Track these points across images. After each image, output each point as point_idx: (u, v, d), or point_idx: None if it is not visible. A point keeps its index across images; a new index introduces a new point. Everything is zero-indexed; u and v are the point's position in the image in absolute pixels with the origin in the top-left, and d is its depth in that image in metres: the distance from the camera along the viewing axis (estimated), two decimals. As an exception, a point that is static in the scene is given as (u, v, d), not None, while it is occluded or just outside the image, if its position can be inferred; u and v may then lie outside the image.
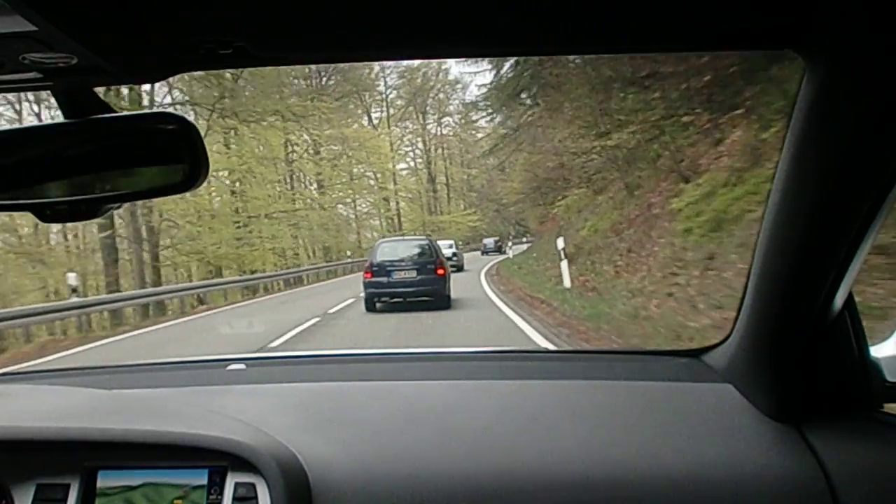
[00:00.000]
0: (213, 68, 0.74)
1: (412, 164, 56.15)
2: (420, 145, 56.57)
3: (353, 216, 42.88)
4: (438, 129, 57.80)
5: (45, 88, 0.68)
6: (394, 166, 48.39)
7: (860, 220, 0.80)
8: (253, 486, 1.00)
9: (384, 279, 11.54)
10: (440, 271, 11.71)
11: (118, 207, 0.82)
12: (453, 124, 58.75)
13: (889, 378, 0.96)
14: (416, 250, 12.30)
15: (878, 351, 0.99)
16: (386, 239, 15.22)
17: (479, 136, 58.04)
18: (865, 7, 0.63)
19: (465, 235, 50.97)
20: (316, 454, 1.05)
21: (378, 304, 11.57)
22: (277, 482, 0.97)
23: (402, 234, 36.10)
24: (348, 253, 34.45)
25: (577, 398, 1.21)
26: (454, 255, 23.79)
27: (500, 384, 1.30)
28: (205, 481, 1.02)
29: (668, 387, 1.22)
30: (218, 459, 1.02)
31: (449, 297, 11.87)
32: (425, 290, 11.42)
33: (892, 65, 0.65)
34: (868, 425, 0.96)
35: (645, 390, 1.22)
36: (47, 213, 0.78)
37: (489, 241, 42.10)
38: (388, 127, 49.84)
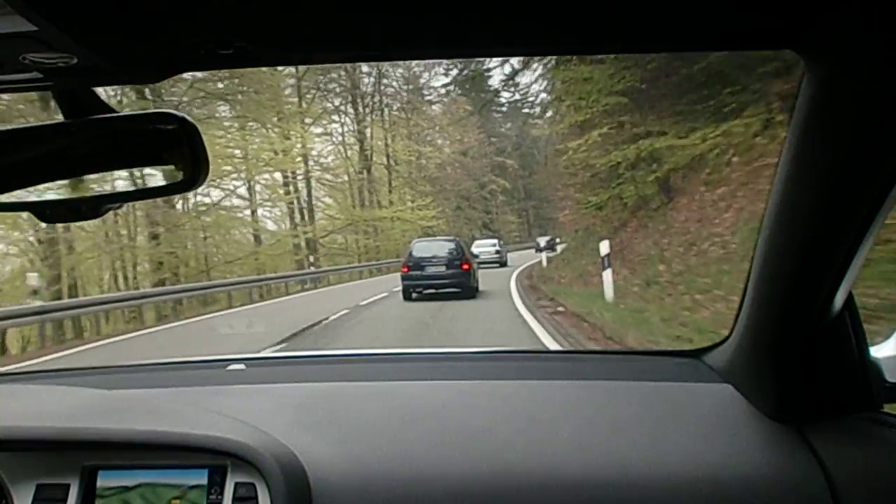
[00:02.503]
0: (213, 68, 0.74)
1: (340, 135, 37.21)
2: (349, 109, 37.44)
3: (244, 210, 27.58)
4: (377, 87, 39.13)
5: (45, 88, 0.68)
6: (304, 130, 30.63)
7: (860, 220, 0.80)
8: (253, 486, 1.00)
9: (418, 273, 13.86)
10: (465, 266, 13.91)
11: (118, 207, 0.82)
12: (399, 78, 40.40)
13: (889, 378, 0.96)
14: (445, 249, 14.50)
15: (878, 351, 0.99)
16: (419, 239, 17.38)
17: (436, 106, 44.39)
18: (865, 7, 0.63)
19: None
20: (316, 454, 1.05)
21: (412, 296, 13.85)
22: (277, 482, 0.97)
23: (328, 231, 32.72)
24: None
25: (577, 398, 1.21)
26: (497, 252, 28.55)
27: (499, 384, 1.30)
28: (205, 481, 1.02)
29: (668, 387, 1.22)
30: (218, 459, 1.02)
31: (476, 287, 14.06)
32: (453, 281, 13.67)
33: (892, 65, 0.65)
34: (868, 425, 0.96)
35: (645, 390, 1.22)
36: (47, 213, 0.78)
37: (542, 240, 41.42)
38: (298, 74, 29.78)
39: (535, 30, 0.68)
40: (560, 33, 0.70)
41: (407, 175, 42.20)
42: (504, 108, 58.91)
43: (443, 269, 13.76)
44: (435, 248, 14.58)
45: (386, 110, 41.05)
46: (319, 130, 35.28)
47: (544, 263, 20.69)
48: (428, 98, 44.33)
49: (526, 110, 61.30)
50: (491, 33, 0.69)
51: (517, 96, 58.45)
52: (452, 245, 14.81)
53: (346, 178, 36.88)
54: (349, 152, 38.02)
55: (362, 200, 37.27)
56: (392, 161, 40.70)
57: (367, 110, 39.45)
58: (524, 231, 58.61)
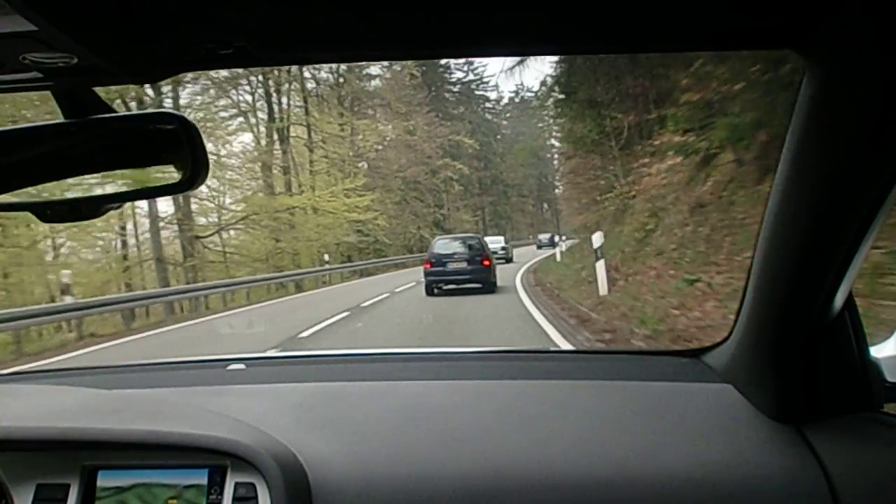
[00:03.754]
0: (213, 68, 0.74)
1: (248, 98, 26.74)
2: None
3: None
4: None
5: (45, 88, 0.67)
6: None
7: (860, 220, 0.80)
8: (253, 485, 1.00)
9: (441, 269, 14.28)
10: (486, 262, 14.33)
11: (118, 207, 0.82)
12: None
13: (889, 378, 0.96)
14: (467, 245, 14.92)
15: (878, 351, 0.99)
16: (441, 237, 17.63)
17: (377, 80, 35.93)
18: (865, 7, 0.63)
19: (345, 244, 26.52)
20: (316, 454, 1.05)
21: (435, 291, 14.10)
22: (277, 482, 0.97)
23: (215, 227, 22.92)
24: None
25: (577, 398, 1.21)
26: (503, 248, 27.51)
27: (499, 384, 1.30)
28: (205, 481, 1.02)
29: (668, 387, 1.22)
30: (218, 459, 1.02)
31: (494, 283, 14.34)
32: (474, 277, 14.02)
33: (892, 65, 0.65)
34: (868, 425, 0.96)
35: (645, 390, 1.22)
36: (47, 213, 0.78)
37: (543, 237, 39.13)
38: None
39: (535, 29, 0.68)
40: (559, 33, 0.70)
41: (335, 157, 30.01)
42: (456, 88, 52.27)
43: (464, 265, 14.27)
44: (457, 244, 15.09)
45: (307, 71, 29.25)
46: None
47: (603, 289, 9.99)
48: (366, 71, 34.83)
49: (479, 93, 55.58)
50: (490, 33, 0.69)
51: (471, 76, 53.29)
52: (473, 242, 15.39)
53: (252, 153, 26.13)
54: (260, 125, 26.87)
55: (269, 186, 26.36)
56: (317, 138, 29.43)
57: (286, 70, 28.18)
58: (479, 232, 49.97)
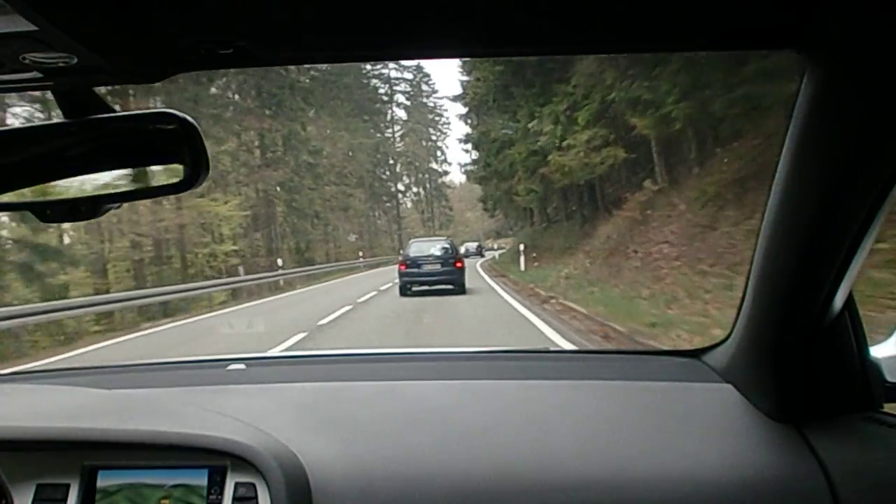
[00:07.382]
0: (213, 68, 0.74)
1: None
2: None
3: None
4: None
5: (45, 88, 0.68)
6: None
7: (860, 220, 0.80)
8: (253, 485, 1.00)
9: (415, 270, 14.75)
10: (458, 264, 14.94)
11: (118, 207, 0.82)
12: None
13: (889, 378, 0.96)
14: (440, 248, 15.49)
15: (878, 351, 0.99)
16: (416, 239, 18.12)
17: None
18: (865, 7, 0.63)
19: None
20: (316, 454, 1.05)
21: (409, 291, 14.60)
22: (277, 482, 0.97)
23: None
24: None
25: (577, 398, 1.21)
26: (478, 247, 35.03)
27: (499, 384, 1.30)
28: (204, 481, 1.02)
29: (668, 387, 1.22)
30: (218, 459, 1.02)
31: (464, 284, 14.81)
32: (447, 278, 14.56)
33: (892, 65, 0.65)
34: (868, 425, 0.96)
35: (645, 390, 1.22)
36: (47, 213, 0.78)
37: (471, 246, 40.26)
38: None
39: (536, 29, 0.68)
40: (560, 33, 0.70)
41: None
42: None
43: (438, 266, 14.76)
44: (430, 247, 15.60)
45: None
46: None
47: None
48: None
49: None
50: (492, 33, 0.69)
51: None
52: (446, 244, 15.99)
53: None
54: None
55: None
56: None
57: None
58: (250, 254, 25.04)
